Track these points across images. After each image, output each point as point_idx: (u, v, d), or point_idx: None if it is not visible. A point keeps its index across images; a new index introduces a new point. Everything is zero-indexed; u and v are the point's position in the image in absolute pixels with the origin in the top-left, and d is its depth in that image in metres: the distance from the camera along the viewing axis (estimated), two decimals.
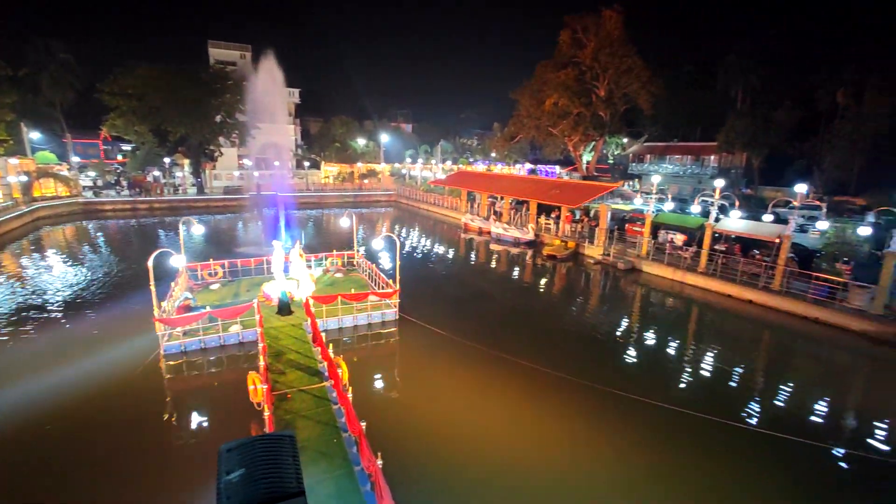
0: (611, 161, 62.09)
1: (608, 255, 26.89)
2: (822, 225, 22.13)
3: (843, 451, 10.50)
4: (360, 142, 67.29)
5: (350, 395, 9.48)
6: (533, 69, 50.56)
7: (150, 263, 13.16)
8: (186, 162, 55.67)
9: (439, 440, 10.31)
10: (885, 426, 11.54)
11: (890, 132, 38.34)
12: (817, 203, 27.36)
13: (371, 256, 24.48)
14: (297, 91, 68.88)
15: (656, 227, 26.68)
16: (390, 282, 17.74)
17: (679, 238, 25.43)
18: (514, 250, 31.07)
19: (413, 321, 16.71)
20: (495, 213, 38.00)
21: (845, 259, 19.53)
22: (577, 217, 32.57)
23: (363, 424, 8.24)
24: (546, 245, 30.19)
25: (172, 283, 16.80)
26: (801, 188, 22.62)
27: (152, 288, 13.41)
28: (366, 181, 61.76)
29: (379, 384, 12.91)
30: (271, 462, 3.83)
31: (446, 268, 26.89)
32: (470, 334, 15.85)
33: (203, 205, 47.30)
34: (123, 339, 14.76)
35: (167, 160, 52.38)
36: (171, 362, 13.48)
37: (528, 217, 34.70)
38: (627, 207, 29.82)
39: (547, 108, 47.83)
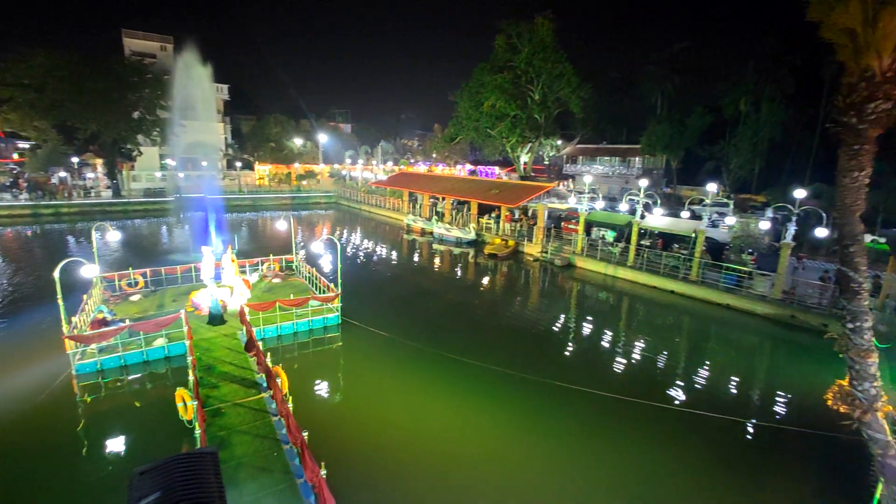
0: (546, 162, 64.69)
1: (546, 252, 28.04)
2: (730, 220, 24.56)
3: (752, 421, 11.74)
4: (297, 142, 64.94)
5: (290, 405, 9.15)
6: (471, 72, 51.51)
7: (56, 274, 11.85)
8: (100, 162, 50.71)
9: (386, 445, 10.23)
10: (784, 397, 13.05)
11: (783, 137, 43.33)
12: (725, 200, 30.28)
13: (311, 260, 23.73)
14: (225, 87, 65.12)
15: (590, 225, 28.21)
16: (332, 286, 17.31)
17: (610, 234, 27.07)
18: (457, 250, 31.49)
19: (356, 325, 16.42)
20: (437, 213, 38.27)
21: (750, 251, 21.82)
22: (517, 216, 33.62)
23: (305, 434, 7.99)
24: (487, 244, 30.88)
25: (84, 296, 15.26)
26: (711, 187, 24.95)
27: (60, 302, 12.09)
28: (304, 182, 59.71)
29: (322, 391, 12.56)
30: (192, 482, 3.61)
31: (390, 269, 26.69)
32: (415, 335, 15.86)
33: (120, 209, 43.28)
34: (27, 361, 13.17)
35: (75, 160, 47.36)
36: (85, 383, 12.24)
37: (470, 217, 35.31)
38: (563, 206, 31.24)
39: (485, 111, 48.92)
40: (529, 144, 52.44)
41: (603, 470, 9.83)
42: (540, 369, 13.74)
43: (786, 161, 44.30)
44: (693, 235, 22.39)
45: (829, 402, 6.96)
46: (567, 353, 15.84)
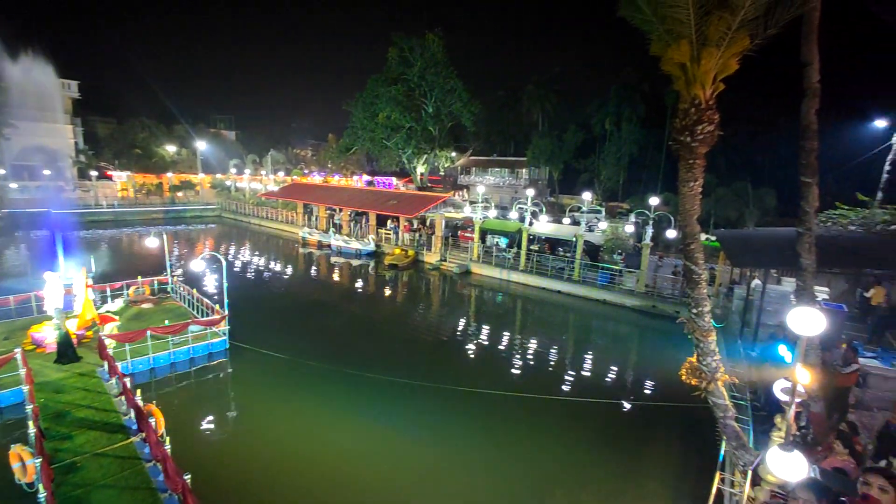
0: (442, 173, 66.72)
1: (444, 260, 28.79)
2: (603, 225, 27.75)
3: (628, 402, 13.27)
4: (170, 149, 58.13)
5: (168, 447, 8.06)
6: (364, 82, 51.20)
7: None
8: None
9: (286, 476, 9.51)
10: (651, 377, 14.99)
11: (639, 153, 50.35)
12: (599, 207, 34.15)
13: (191, 280, 21.29)
14: (74, 83, 55.67)
15: (484, 233, 29.65)
16: (216, 307, 15.72)
17: (503, 241, 28.75)
18: (357, 262, 30.81)
19: (247, 348, 15.09)
20: (334, 225, 37.09)
21: (619, 251, 24.83)
22: (415, 226, 34.04)
23: (187, 478, 7.09)
24: (387, 255, 30.75)
25: None
26: (586, 196, 27.95)
27: None
28: (179, 194, 53.55)
29: (207, 428, 11.26)
30: None
31: (285, 285, 25.11)
32: (314, 354, 15.07)
33: None
34: None
35: None
36: None
37: (369, 228, 34.85)
38: (459, 215, 32.42)
39: (380, 122, 48.94)
40: (425, 156, 53.61)
41: (506, 464, 10.30)
42: (443, 376, 13.97)
43: (643, 173, 51.42)
44: (574, 240, 24.80)
45: (683, 377, 8.18)
46: (468, 358, 16.36)
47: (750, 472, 6.71)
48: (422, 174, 55.41)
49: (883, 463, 6.78)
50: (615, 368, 15.76)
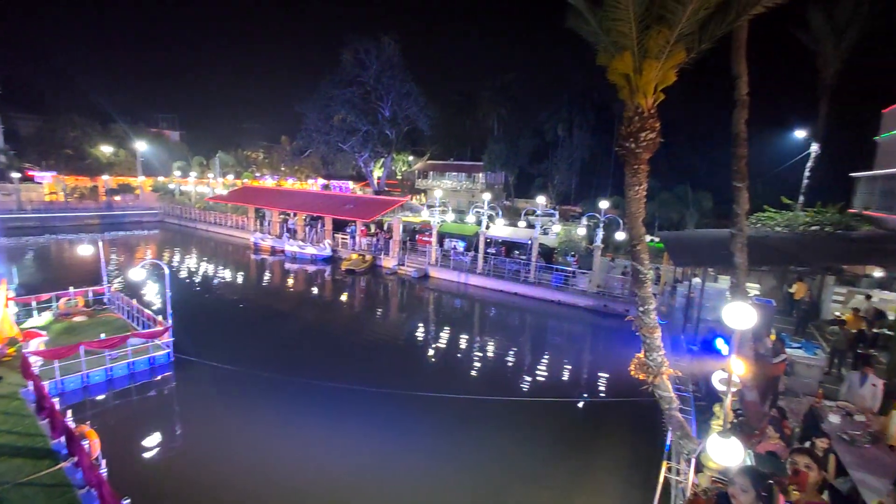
0: (399, 177, 66.43)
1: (402, 264, 28.63)
2: (556, 228, 28.62)
3: (583, 400, 13.71)
4: (106, 149, 54.25)
5: (104, 471, 7.47)
6: (318, 83, 50.18)
7: None
8: None
9: (236, 494, 9.07)
10: (604, 374, 15.58)
11: (590, 158, 52.42)
12: (553, 211, 35.19)
13: (131, 290, 19.92)
14: None
15: (442, 236, 29.76)
16: (160, 318, 14.81)
17: (461, 244, 28.99)
18: (312, 268, 30.02)
19: (194, 361, 14.29)
20: (289, 230, 35.97)
21: (572, 253, 25.68)
22: (373, 231, 33.63)
23: (126, 503, 6.60)
24: (344, 260, 30.16)
25: None
26: (541, 199, 28.75)
27: None
28: (117, 198, 50.08)
29: (148, 447, 10.53)
30: None
31: (236, 293, 24.03)
32: (267, 364, 14.51)
33: None
34: None
35: None
36: None
37: (325, 233, 34.07)
38: (417, 219, 32.37)
39: (335, 124, 48.12)
40: (382, 159, 53.20)
41: (466, 467, 10.33)
42: (402, 382, 13.86)
43: (594, 178, 53.52)
44: (529, 242, 25.40)
45: (632, 372, 8.56)
46: (427, 362, 16.32)
47: (693, 460, 7.11)
48: (379, 178, 54.95)
49: (808, 444, 7.37)
50: (570, 367, 16.25)
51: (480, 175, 61.07)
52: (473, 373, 15.41)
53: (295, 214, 36.83)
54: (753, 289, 14.88)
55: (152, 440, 10.72)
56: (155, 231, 44.02)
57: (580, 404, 13.48)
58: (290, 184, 60.31)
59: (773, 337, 10.29)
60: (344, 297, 24.61)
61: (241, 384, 13.33)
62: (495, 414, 12.54)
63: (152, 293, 21.77)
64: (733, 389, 7.07)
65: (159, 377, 13.56)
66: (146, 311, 15.65)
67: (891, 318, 12.41)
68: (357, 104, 47.66)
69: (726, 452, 5.54)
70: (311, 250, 31.78)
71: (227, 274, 27.81)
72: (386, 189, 55.02)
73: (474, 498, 9.49)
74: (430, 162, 64.70)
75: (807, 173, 23.65)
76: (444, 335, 18.87)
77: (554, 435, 11.78)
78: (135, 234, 42.06)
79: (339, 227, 34.00)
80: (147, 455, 10.24)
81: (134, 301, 16.26)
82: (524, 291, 24.45)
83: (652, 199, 31.42)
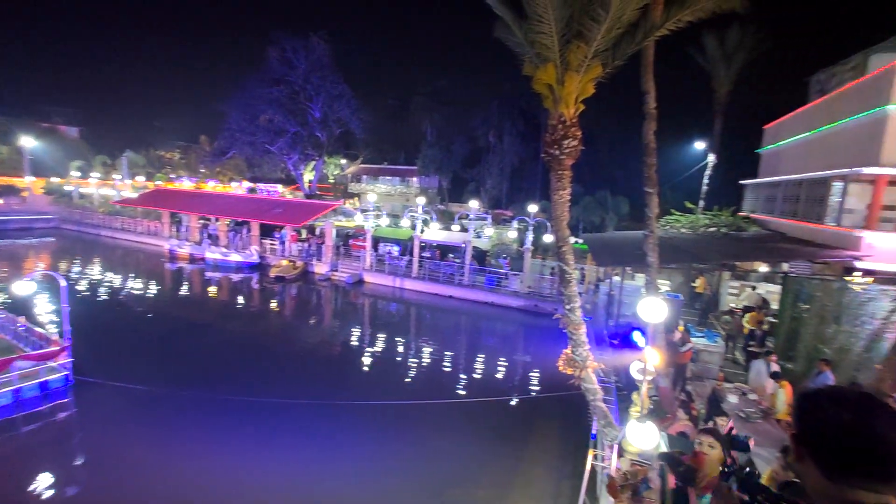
0: (332, 180, 64.70)
1: (336, 270, 27.85)
2: (489, 231, 29.44)
3: (515, 397, 14.17)
4: None
5: None
6: (241, 80, 47.50)
7: None
8: None
9: None
10: (536, 372, 16.24)
11: (520, 164, 54.65)
12: (485, 214, 36.17)
13: (18, 307, 17.41)
14: None
15: (376, 241, 29.37)
16: (54, 337, 13.11)
17: (395, 249, 28.80)
18: (237, 276, 28.22)
19: (99, 383, 12.80)
20: (210, 236, 33.53)
21: (504, 256, 26.54)
22: (304, 236, 32.37)
23: None
24: (273, 266, 28.69)
25: None
26: (473, 204, 29.43)
27: None
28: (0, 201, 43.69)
29: (37, 489, 9.23)
30: None
31: (149, 305, 21.91)
32: (188, 381, 13.40)
33: None
34: None
35: None
36: None
37: (251, 239, 32.19)
38: (350, 224, 31.68)
39: (261, 124, 45.81)
40: (313, 162, 51.49)
41: (403, 473, 10.24)
42: (336, 391, 13.46)
43: (523, 182, 55.83)
44: (463, 245, 25.87)
45: (560, 368, 9.02)
46: (363, 370, 16.00)
47: (616, 446, 7.63)
48: (310, 181, 53.08)
49: (711, 423, 8.22)
50: (504, 367, 16.74)
51: (414, 179, 61.27)
52: (411, 377, 15.35)
53: (217, 219, 34.45)
54: (664, 285, 16.34)
55: (42, 479, 9.38)
56: (49, 239, 38.92)
57: (514, 402, 13.92)
58: (212, 186, 56.33)
59: (681, 328, 11.36)
60: (274, 306, 23.41)
61: (157, 406, 12.16)
62: (433, 417, 12.57)
63: (46, 309, 19.21)
64: (649, 378, 7.70)
65: (53, 404, 11.97)
66: (37, 329, 13.79)
67: (774, 307, 14.21)
68: (285, 104, 45.72)
69: (643, 436, 6.01)
70: (235, 257, 29.86)
71: (138, 285, 25.30)
72: (317, 193, 53.28)
73: (419, 499, 9.44)
74: (363, 165, 63.72)
75: (706, 180, 26.45)
76: (381, 341, 18.61)
77: (490, 434, 12.05)
78: (24, 242, 36.84)
79: (266, 232, 32.30)
80: (39, 496, 8.96)
81: (22, 319, 14.25)
82: (459, 294, 24.83)
83: (576, 203, 33.45)
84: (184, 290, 25.52)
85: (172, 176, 61.42)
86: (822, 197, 13.84)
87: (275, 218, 31.65)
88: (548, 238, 24.30)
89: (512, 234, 27.30)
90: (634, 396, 9.46)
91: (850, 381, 8.54)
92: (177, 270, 29.23)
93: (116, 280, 25.92)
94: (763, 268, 16.61)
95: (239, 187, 59.31)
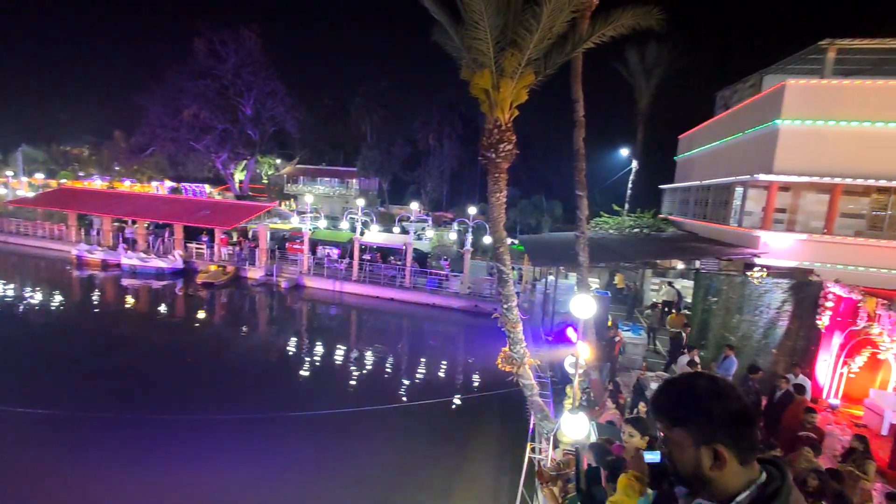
0: (265, 181, 61.84)
1: (271, 274, 26.59)
2: (430, 233, 29.56)
3: (458, 398, 14.33)
4: None
5: None
6: (163, 71, 44.04)
7: None
8: None
9: None
10: (477, 371, 16.53)
11: (459, 167, 55.50)
12: (426, 217, 36.30)
13: None
14: None
15: (314, 244, 28.43)
16: None
17: (334, 252, 28.05)
18: (159, 283, 26.04)
19: None
20: (126, 240, 30.65)
21: (445, 257, 26.77)
22: (235, 239, 30.59)
23: None
24: (200, 272, 26.78)
25: None
26: (414, 206, 29.45)
27: None
28: None
29: None
30: None
31: (54, 319, 19.61)
32: (100, 402, 12.13)
33: None
34: None
35: None
36: None
37: (174, 243, 29.85)
38: (286, 227, 30.41)
39: (186, 120, 42.69)
40: (245, 161, 48.87)
41: (346, 481, 9.99)
42: (273, 403, 12.82)
43: (463, 185, 56.76)
44: (404, 248, 25.76)
45: (500, 365, 9.27)
46: (302, 379, 15.40)
47: (552, 438, 7.97)
48: (241, 182, 50.34)
49: (635, 411, 8.82)
50: (446, 368, 16.89)
51: (354, 181, 60.13)
52: (353, 384, 15.02)
53: (135, 222, 31.59)
54: (594, 283, 17.34)
55: None
56: None
57: (456, 402, 14.07)
58: (128, 186, 51.52)
59: (609, 323, 12.11)
60: (202, 315, 21.85)
61: (62, 430, 10.88)
62: (377, 423, 12.36)
63: None
64: (580, 371, 8.12)
65: None
66: None
67: (688, 300, 15.58)
68: (212, 99, 43.01)
69: (575, 427, 6.34)
70: (156, 263, 27.52)
71: (40, 296, 22.53)
72: (250, 194, 50.65)
73: None
74: (299, 166, 61.53)
75: (630, 185, 28.46)
76: (320, 347, 18.02)
77: (432, 436, 12.08)
78: None
79: (192, 235, 30.11)
80: None
81: None
82: (400, 296, 24.68)
83: (514, 206, 34.55)
84: (96, 300, 23.09)
85: (81, 174, 55.51)
86: (727, 201, 15.41)
87: (202, 220, 29.61)
88: (487, 240, 24.86)
89: (452, 235, 27.62)
90: (568, 389, 9.92)
91: (750, 365, 9.56)
92: (87, 279, 26.42)
93: (10, 291, 22.90)
94: (680, 265, 18.16)
95: (160, 187, 54.78)
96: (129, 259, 27.79)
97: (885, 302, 9.26)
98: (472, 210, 26.12)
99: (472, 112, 51.56)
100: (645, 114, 30.05)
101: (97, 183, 51.32)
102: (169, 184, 56.38)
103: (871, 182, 11.95)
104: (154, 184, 55.64)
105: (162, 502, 8.96)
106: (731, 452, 1.24)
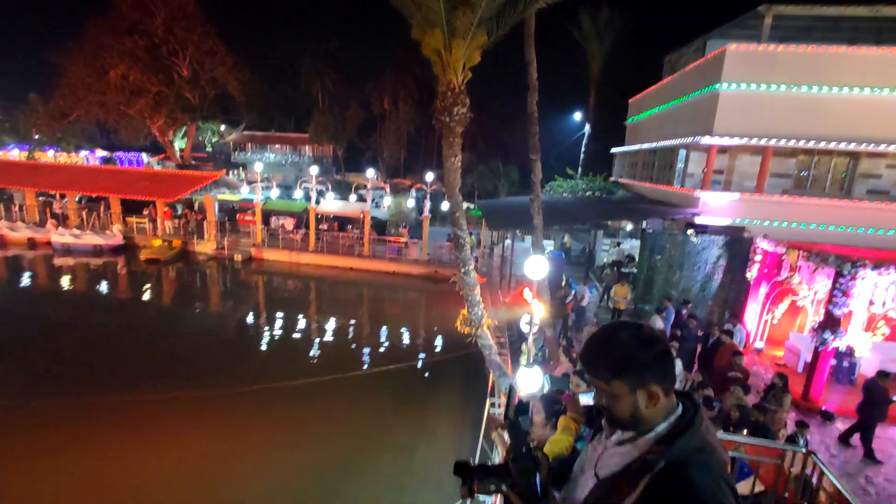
0: (209, 149, 58.18)
1: (222, 248, 25.50)
2: (388, 201, 29.15)
3: (420, 362, 14.67)
4: None
5: None
6: (82, 27, 39.55)
7: None
8: None
9: None
10: (438, 335, 16.89)
11: (416, 132, 54.34)
12: (382, 184, 35.68)
13: None
14: None
15: (267, 215, 27.38)
16: None
17: (289, 222, 27.18)
18: (97, 261, 24.38)
19: None
20: (54, 215, 28.23)
21: (404, 224, 26.62)
22: (180, 212, 28.90)
23: None
24: (143, 248, 25.24)
25: None
26: (370, 173, 28.77)
27: None
28: None
29: None
30: None
31: None
32: (42, 391, 11.49)
33: None
34: None
35: None
36: None
37: (112, 217, 27.82)
38: (236, 198, 29.00)
39: (113, 81, 38.92)
40: (185, 128, 45.57)
41: (310, 450, 10.15)
42: (233, 379, 12.62)
43: (421, 151, 55.89)
44: (361, 216, 25.34)
45: (458, 328, 9.55)
46: (262, 352, 15.20)
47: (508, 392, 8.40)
48: (182, 150, 47.10)
49: None
50: (409, 333, 17.14)
51: (307, 148, 57.80)
52: (315, 354, 14.98)
53: (63, 196, 29.07)
54: (549, 245, 17.90)
55: None
56: None
57: (418, 366, 14.42)
58: (52, 156, 46.92)
59: (563, 283, 12.64)
60: (149, 294, 20.78)
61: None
62: (340, 392, 12.50)
63: None
64: (535, 328, 8.50)
65: None
66: None
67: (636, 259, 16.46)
68: (142, 58, 39.27)
69: (530, 380, 6.70)
70: (92, 239, 25.65)
71: None
72: (193, 163, 47.59)
73: (323, 474, 9.44)
74: (247, 133, 58.19)
75: (583, 149, 29.07)
76: (280, 320, 17.74)
77: (396, 400, 12.39)
78: None
79: (132, 209, 28.14)
80: None
81: None
82: (359, 265, 24.48)
83: (471, 171, 34.52)
84: (26, 282, 21.37)
85: None
86: (671, 163, 16.14)
87: (140, 192, 27.62)
88: (445, 206, 24.90)
89: (411, 202, 27.40)
90: (523, 347, 10.38)
91: (689, 315, 10.37)
92: (13, 259, 24.31)
93: None
94: (629, 226, 19.03)
95: (91, 157, 50.30)
96: (60, 236, 25.71)
97: (805, 254, 10.20)
98: (430, 176, 25.88)
99: (427, 74, 50.19)
100: (597, 78, 30.35)
101: (15, 153, 46.47)
102: (101, 153, 51.87)
103: (798, 144, 12.84)
104: (83, 153, 51.01)
105: (117, 488, 8.77)
106: (660, 388, 1.34)
